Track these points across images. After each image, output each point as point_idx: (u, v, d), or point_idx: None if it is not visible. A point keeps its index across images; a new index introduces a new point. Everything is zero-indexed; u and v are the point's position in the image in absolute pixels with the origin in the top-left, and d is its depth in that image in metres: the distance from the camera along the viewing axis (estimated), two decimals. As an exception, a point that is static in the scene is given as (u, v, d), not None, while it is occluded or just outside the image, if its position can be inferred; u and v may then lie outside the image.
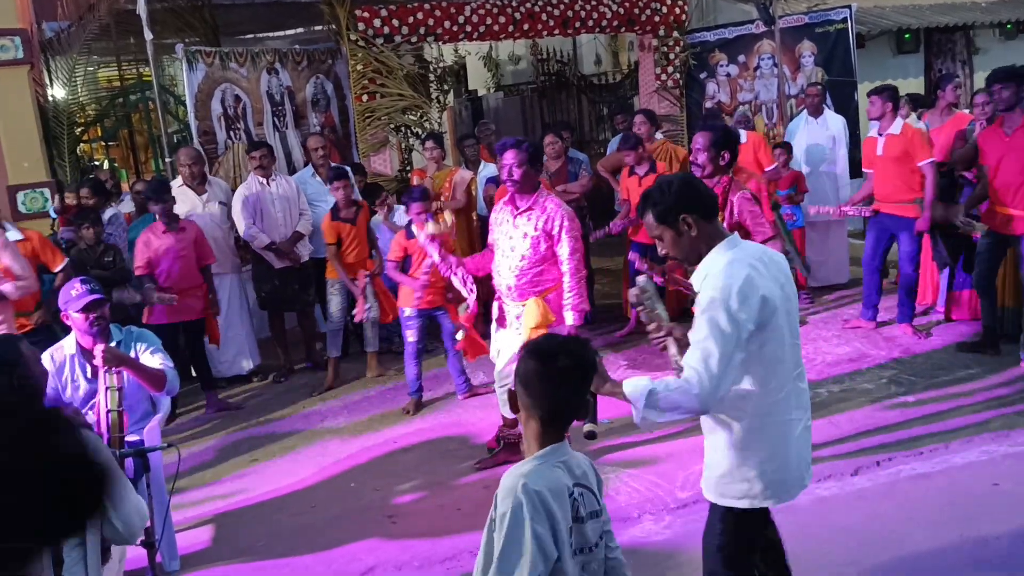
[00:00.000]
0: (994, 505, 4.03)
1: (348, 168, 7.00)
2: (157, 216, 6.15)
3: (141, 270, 6.07)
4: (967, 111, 7.53)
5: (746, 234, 4.27)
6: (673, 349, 2.75)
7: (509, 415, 4.95)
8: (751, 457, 2.60)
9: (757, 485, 2.60)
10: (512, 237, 4.64)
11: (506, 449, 5.00)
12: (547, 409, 2.09)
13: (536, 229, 4.56)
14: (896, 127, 6.22)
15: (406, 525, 4.43)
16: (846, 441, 4.81)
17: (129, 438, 3.84)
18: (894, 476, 4.39)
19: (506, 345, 4.74)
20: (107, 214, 6.70)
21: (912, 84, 11.33)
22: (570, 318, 4.57)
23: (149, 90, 8.93)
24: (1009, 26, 12.32)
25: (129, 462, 3.65)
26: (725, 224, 4.20)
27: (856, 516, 4.04)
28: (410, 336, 5.94)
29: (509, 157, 4.53)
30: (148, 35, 6.74)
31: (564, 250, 4.55)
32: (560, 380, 2.10)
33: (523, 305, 4.61)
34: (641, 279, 2.84)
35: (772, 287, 2.55)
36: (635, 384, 2.49)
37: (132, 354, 3.95)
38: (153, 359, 3.98)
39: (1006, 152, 5.56)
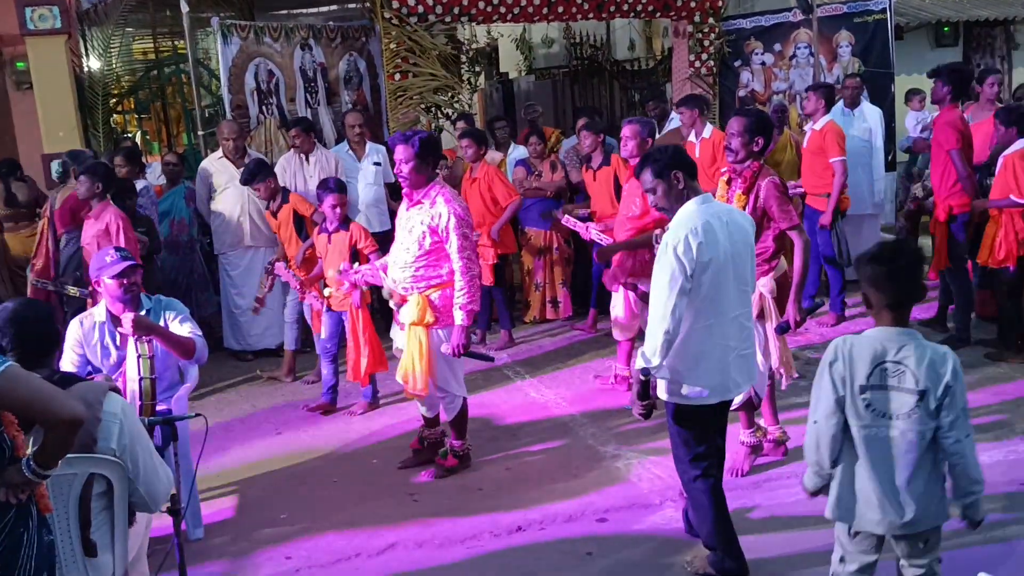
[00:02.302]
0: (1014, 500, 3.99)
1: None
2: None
3: None
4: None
5: (769, 219, 4.24)
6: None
7: (429, 415, 4.91)
8: (694, 367, 3.36)
9: (695, 388, 3.37)
10: (404, 230, 4.53)
11: (429, 449, 4.92)
12: (895, 299, 2.68)
13: (422, 224, 4.41)
14: (820, 123, 6.64)
15: (427, 503, 4.46)
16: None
17: (158, 407, 3.88)
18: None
19: (402, 343, 4.66)
20: (139, 185, 6.75)
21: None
22: (458, 317, 4.41)
23: (183, 63, 8.97)
24: (1052, 21, 12.09)
25: (157, 430, 3.69)
26: (750, 208, 4.19)
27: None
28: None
29: (399, 152, 4.41)
30: (184, 7, 6.77)
31: (453, 247, 4.38)
32: (902, 276, 2.67)
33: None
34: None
35: (721, 240, 3.30)
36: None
37: (161, 322, 3.99)
38: (182, 328, 4.01)
39: None
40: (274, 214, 6.23)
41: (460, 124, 7.86)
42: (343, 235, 5.49)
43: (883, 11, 8.85)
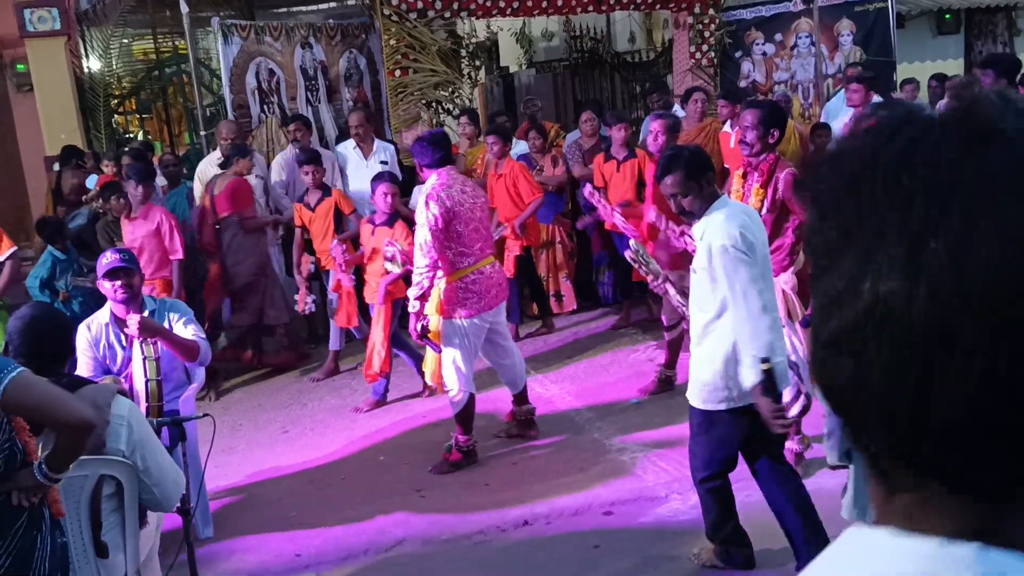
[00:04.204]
0: None
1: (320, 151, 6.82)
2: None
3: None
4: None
5: (788, 212, 4.21)
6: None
7: (515, 391, 5.04)
8: (735, 367, 3.18)
9: (736, 391, 3.21)
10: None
11: (520, 425, 5.06)
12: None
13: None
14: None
15: (434, 499, 4.48)
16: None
17: (165, 407, 3.91)
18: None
19: None
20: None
21: (952, 66, 11.13)
22: (412, 306, 4.64)
23: (184, 63, 8.99)
24: (1054, 6, 12.06)
25: (165, 431, 3.71)
26: (768, 201, 4.17)
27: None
28: None
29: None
30: (184, 7, 6.78)
31: (420, 226, 4.57)
32: None
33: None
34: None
35: (758, 233, 3.23)
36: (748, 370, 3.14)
37: (165, 324, 4.01)
38: (186, 330, 4.03)
39: None
40: (310, 207, 6.29)
41: (463, 119, 7.87)
42: (386, 229, 5.59)
43: (884, -1, 8.84)
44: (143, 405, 3.70)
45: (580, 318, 7.27)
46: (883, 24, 8.83)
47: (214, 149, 7.12)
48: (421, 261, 4.57)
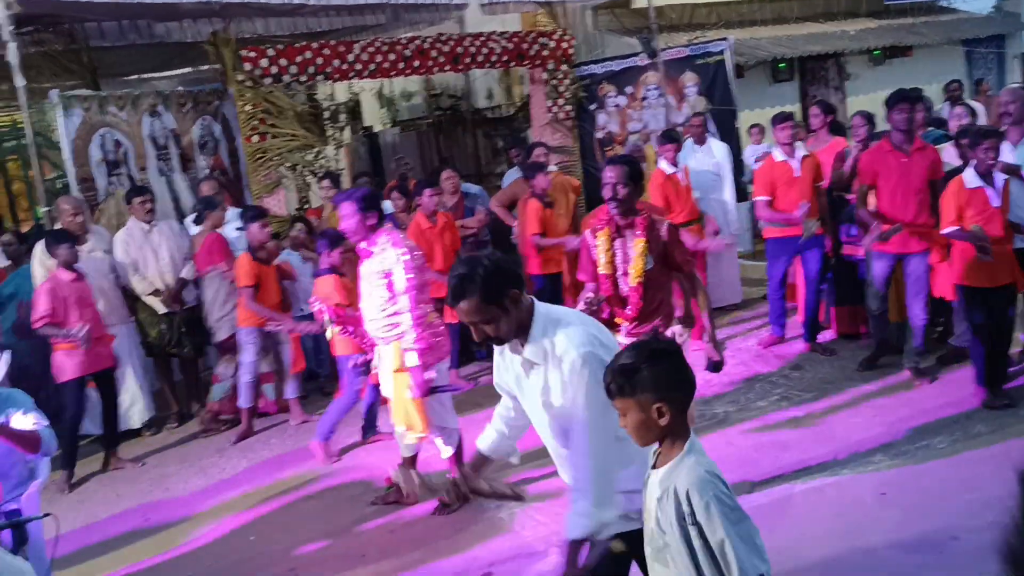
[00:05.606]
0: (881, 514, 4.20)
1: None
2: (61, 264, 5.90)
3: (45, 320, 5.79)
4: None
5: (674, 265, 4.20)
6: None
7: (408, 455, 4.91)
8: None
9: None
10: (367, 284, 4.70)
11: (398, 491, 4.96)
12: (684, 404, 2.20)
13: (379, 273, 4.58)
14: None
15: (309, 576, 4.31)
16: (741, 459, 4.94)
17: (9, 507, 3.62)
18: (788, 491, 4.52)
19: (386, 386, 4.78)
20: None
21: (789, 110, 11.86)
22: (410, 359, 4.52)
23: (24, 137, 8.56)
24: (877, 52, 13.10)
25: (6, 534, 3.44)
26: (655, 254, 4.14)
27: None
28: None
29: (344, 209, 4.64)
30: (20, 81, 6.48)
31: (399, 288, 4.54)
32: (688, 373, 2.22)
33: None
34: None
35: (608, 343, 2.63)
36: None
37: (2, 418, 3.73)
38: (25, 419, 3.76)
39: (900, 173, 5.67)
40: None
41: (325, 183, 7.80)
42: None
43: (722, 52, 9.39)
44: (-22, 509, 3.42)
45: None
46: (723, 75, 9.37)
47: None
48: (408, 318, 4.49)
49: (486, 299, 2.54)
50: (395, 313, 4.57)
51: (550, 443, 2.77)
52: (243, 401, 6.46)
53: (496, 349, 2.79)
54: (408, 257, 4.54)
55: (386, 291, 4.56)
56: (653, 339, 2.33)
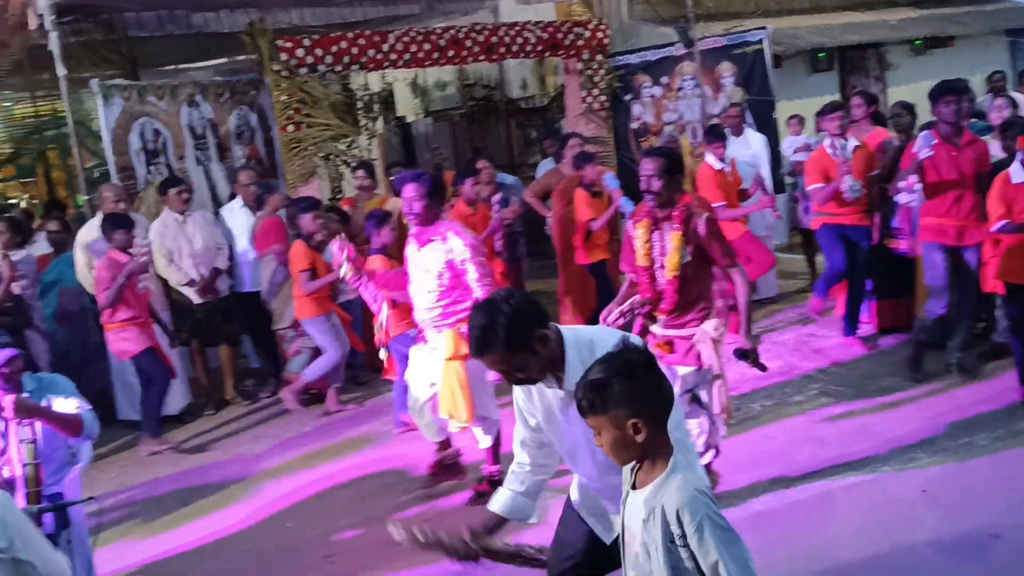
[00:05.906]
0: (922, 512, 4.14)
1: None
2: (117, 247, 5.98)
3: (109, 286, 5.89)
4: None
5: (710, 260, 4.16)
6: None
7: (437, 439, 4.91)
8: None
9: None
10: (420, 270, 4.65)
11: (447, 471, 4.97)
12: (662, 418, 2.04)
13: (438, 262, 4.55)
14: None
15: (345, 563, 4.35)
16: (779, 455, 4.88)
17: (51, 490, 3.68)
18: (826, 488, 4.46)
19: (424, 367, 4.73)
20: (18, 256, 6.45)
21: (828, 101, 11.67)
22: None
23: (65, 126, 8.69)
24: (918, 42, 12.86)
25: (48, 517, 3.49)
26: (690, 248, 4.09)
27: (791, 528, 4.09)
28: None
29: (409, 191, 4.56)
30: (61, 70, 6.57)
31: (472, 278, 4.52)
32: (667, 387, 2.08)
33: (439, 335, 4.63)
34: None
35: None
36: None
37: (44, 403, 3.79)
38: (68, 403, 3.82)
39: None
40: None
41: (359, 172, 7.83)
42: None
43: (760, 42, 9.25)
44: (22, 492, 3.48)
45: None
46: (761, 65, 9.23)
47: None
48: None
49: (511, 347, 2.41)
50: (455, 301, 4.54)
51: (590, 473, 2.71)
52: (333, 380, 6.60)
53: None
54: (476, 246, 4.58)
55: (443, 280, 4.53)
56: (625, 349, 2.11)
